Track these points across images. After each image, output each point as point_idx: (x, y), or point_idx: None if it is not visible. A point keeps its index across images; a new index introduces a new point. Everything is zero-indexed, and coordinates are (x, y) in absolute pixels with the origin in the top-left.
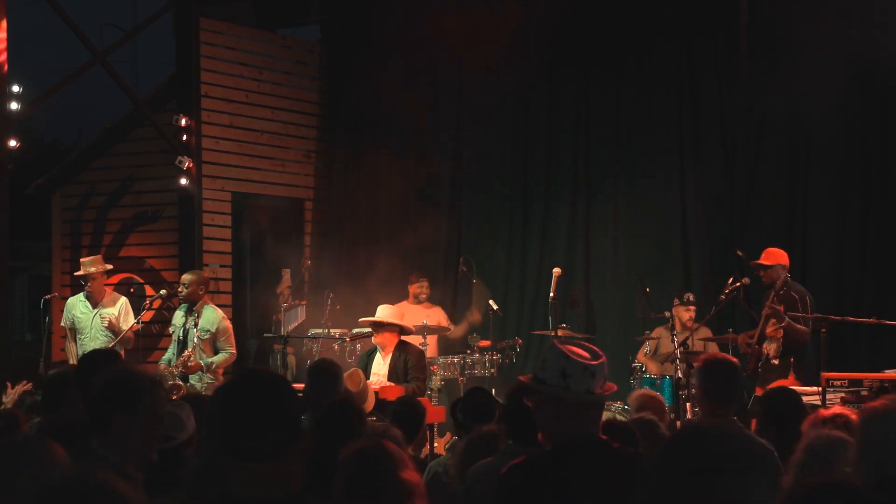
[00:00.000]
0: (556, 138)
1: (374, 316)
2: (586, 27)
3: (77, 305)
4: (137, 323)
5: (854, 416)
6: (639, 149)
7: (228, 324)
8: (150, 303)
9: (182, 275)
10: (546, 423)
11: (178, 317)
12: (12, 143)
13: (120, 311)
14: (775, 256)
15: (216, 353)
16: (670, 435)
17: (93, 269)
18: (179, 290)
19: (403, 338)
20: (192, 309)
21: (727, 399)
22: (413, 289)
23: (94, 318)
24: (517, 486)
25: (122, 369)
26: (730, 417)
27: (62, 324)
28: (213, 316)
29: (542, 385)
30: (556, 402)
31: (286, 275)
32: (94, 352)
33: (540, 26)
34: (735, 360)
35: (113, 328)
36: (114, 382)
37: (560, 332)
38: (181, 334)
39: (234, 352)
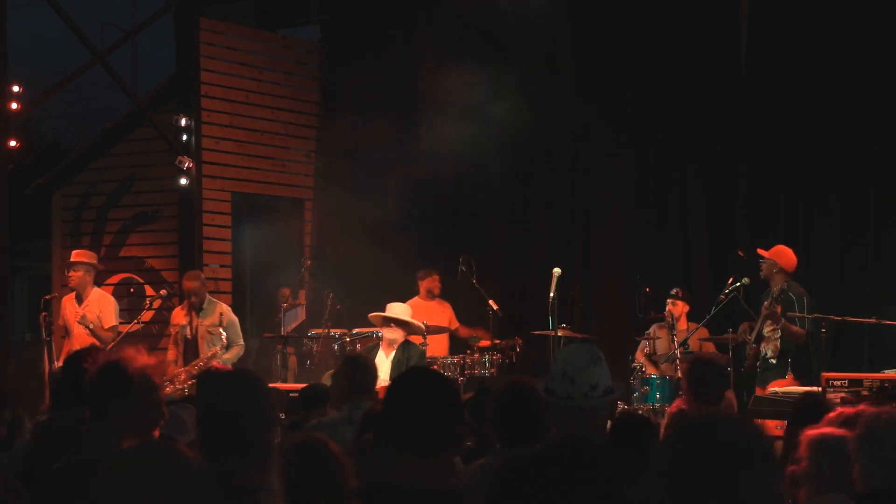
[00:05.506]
0: (557, 137)
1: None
2: (586, 28)
3: (66, 305)
4: (137, 323)
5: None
6: (639, 148)
7: (234, 317)
8: (151, 303)
9: (182, 279)
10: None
11: (182, 316)
12: (12, 143)
13: (103, 309)
14: (778, 253)
15: (227, 347)
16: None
17: (83, 259)
18: (192, 300)
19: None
20: (200, 307)
21: (714, 400)
22: (426, 283)
23: (80, 317)
24: (501, 484)
25: (113, 359)
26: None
27: (59, 322)
28: (223, 309)
29: (545, 389)
30: (546, 403)
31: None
32: (77, 352)
33: (540, 28)
34: (723, 360)
35: (94, 329)
36: (105, 372)
37: (560, 332)
38: (187, 333)
39: (243, 343)
